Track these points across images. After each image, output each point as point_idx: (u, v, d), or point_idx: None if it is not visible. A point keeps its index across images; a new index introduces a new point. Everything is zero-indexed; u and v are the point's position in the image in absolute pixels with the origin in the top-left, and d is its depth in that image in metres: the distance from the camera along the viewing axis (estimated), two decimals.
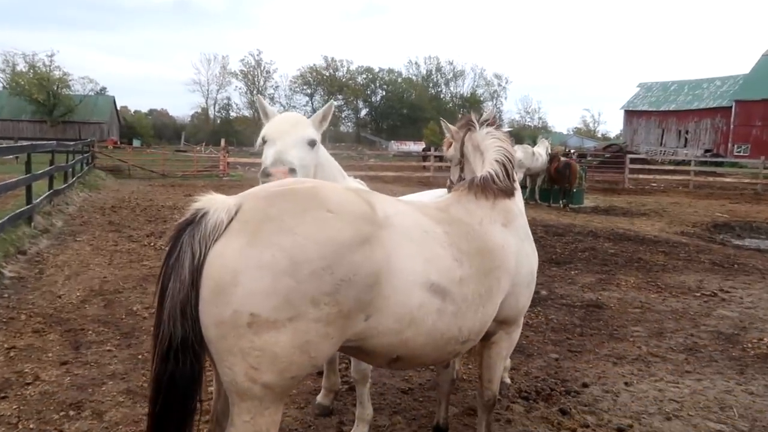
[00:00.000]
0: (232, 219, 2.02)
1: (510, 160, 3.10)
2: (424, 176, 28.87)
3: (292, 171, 2.78)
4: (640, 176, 27.22)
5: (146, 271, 7.81)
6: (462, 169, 3.55)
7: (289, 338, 1.92)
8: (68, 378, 4.30)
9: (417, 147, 57.57)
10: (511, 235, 2.81)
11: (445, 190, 4.03)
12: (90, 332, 5.31)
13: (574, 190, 18.09)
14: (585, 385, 4.53)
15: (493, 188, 2.89)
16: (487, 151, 3.14)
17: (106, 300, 6.36)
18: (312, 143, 3.01)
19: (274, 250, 1.92)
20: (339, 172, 3.33)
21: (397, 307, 2.17)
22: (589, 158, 36.47)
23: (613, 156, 36.18)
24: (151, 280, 7.36)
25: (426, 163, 34.48)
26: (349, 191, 2.29)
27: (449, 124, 3.64)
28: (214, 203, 2.06)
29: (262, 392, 1.95)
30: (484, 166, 3.09)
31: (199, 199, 2.10)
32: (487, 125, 3.29)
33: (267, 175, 2.75)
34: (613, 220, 15.03)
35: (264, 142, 3.04)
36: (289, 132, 2.96)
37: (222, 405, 2.32)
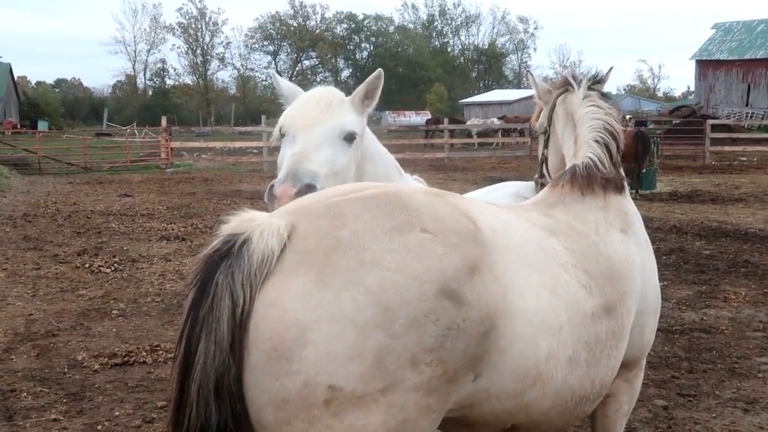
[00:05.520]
0: (284, 248, 1.91)
1: (615, 139, 3.07)
2: (436, 158, 28.88)
3: (311, 188, 2.62)
4: (725, 148, 27.34)
5: (85, 303, 7.70)
6: (546, 144, 3.49)
7: (381, 418, 1.85)
8: None
9: (420, 119, 57.73)
10: (633, 245, 2.84)
11: (521, 184, 3.97)
12: (24, 394, 5.23)
13: (643, 171, 18.09)
14: None
15: (600, 181, 2.89)
16: (582, 125, 3.12)
17: (37, 347, 6.28)
18: (350, 137, 2.92)
19: (355, 292, 1.85)
20: (396, 170, 3.24)
21: (517, 360, 2.14)
22: (650, 126, 36.64)
23: (683, 122, 36.42)
24: (93, 315, 7.24)
25: (432, 141, 34.59)
26: (437, 197, 2.23)
27: (540, 80, 3.55)
28: (255, 224, 1.96)
29: None
30: (578, 146, 3.08)
31: (230, 220, 2.01)
32: (590, 87, 3.25)
33: (271, 200, 2.68)
34: (700, 209, 15.17)
35: (282, 135, 2.95)
36: (316, 122, 2.87)
37: None
